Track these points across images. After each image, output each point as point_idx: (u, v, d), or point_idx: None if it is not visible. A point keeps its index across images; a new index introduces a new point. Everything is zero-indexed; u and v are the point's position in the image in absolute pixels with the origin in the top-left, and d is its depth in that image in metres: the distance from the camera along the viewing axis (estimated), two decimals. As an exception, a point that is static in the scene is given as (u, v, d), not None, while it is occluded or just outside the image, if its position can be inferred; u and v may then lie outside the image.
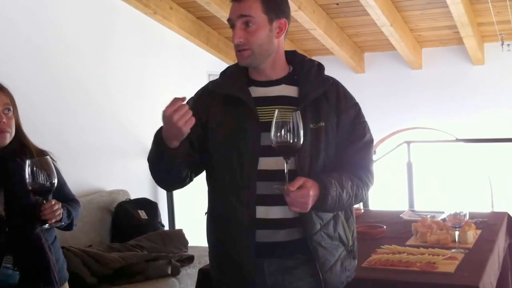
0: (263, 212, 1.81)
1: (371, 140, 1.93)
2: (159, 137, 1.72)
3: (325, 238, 1.84)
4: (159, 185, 1.97)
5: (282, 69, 1.91)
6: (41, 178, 1.99)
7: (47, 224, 2.07)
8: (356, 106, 1.93)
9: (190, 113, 1.65)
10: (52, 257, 2.14)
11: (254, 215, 1.81)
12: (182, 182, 1.88)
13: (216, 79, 1.97)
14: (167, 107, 1.64)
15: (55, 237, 2.31)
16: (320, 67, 1.93)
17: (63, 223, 2.16)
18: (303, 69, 1.90)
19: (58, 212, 2.07)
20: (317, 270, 1.84)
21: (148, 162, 1.85)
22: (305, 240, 1.82)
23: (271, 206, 1.80)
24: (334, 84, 1.91)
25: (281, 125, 1.65)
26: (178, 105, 1.63)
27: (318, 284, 1.85)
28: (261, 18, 1.80)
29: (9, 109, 2.14)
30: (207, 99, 1.90)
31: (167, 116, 1.64)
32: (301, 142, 1.67)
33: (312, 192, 1.67)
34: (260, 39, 1.81)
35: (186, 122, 1.65)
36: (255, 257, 1.83)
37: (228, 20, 1.84)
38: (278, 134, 1.65)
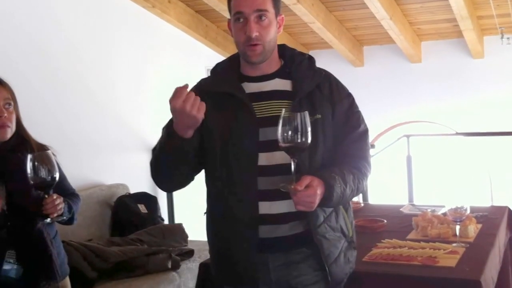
0: (266, 207, 1.80)
1: (366, 130, 1.92)
2: (172, 130, 1.71)
3: (329, 230, 1.84)
4: (160, 186, 1.93)
5: (276, 63, 1.90)
6: (43, 173, 1.99)
7: (49, 219, 2.07)
8: (349, 97, 1.92)
9: (198, 98, 1.65)
10: (54, 251, 2.14)
11: (256, 212, 1.79)
12: (186, 179, 1.88)
13: (208, 77, 1.96)
14: (174, 99, 1.63)
15: (56, 231, 2.32)
16: (311, 60, 1.93)
17: (64, 217, 2.16)
18: (295, 62, 1.89)
19: (60, 206, 2.07)
20: (321, 263, 1.84)
21: (153, 161, 1.84)
22: (308, 234, 1.82)
23: (274, 201, 1.79)
24: (327, 76, 1.91)
25: (288, 125, 1.62)
26: (185, 95, 1.63)
27: (322, 278, 1.86)
28: (271, 13, 1.79)
29: (9, 104, 2.14)
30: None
31: (178, 108, 1.63)
32: (309, 141, 1.65)
33: (319, 191, 1.66)
34: (271, 34, 1.80)
35: (199, 109, 1.65)
36: (259, 253, 1.83)
37: (238, 12, 1.78)
38: (285, 134, 1.63)
